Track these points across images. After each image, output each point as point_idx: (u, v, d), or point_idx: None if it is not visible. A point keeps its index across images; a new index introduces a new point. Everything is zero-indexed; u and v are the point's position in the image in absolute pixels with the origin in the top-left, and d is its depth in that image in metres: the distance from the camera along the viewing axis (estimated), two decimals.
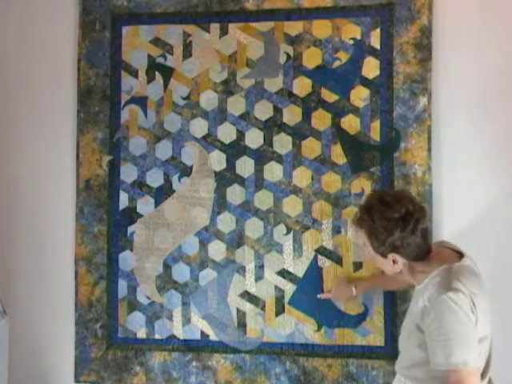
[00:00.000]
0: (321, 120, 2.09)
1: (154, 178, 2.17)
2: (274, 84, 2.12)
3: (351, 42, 2.08)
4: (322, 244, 2.07)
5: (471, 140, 2.04)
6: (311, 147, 2.09)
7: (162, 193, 2.17)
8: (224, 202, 2.13)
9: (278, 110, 2.11)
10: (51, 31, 2.25)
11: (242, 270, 2.12)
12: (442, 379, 1.42)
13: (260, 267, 2.11)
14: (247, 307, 2.11)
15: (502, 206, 2.03)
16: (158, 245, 2.17)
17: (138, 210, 2.18)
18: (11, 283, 2.28)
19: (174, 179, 2.16)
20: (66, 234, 2.23)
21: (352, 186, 2.07)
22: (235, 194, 2.13)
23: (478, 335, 1.40)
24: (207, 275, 2.14)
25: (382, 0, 2.06)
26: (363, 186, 2.06)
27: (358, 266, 2.05)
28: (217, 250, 2.13)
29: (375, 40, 2.07)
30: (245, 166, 2.13)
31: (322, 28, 2.09)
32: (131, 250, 2.18)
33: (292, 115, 2.10)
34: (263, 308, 2.10)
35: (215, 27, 2.16)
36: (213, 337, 2.13)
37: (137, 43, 2.20)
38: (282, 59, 2.12)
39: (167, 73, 2.18)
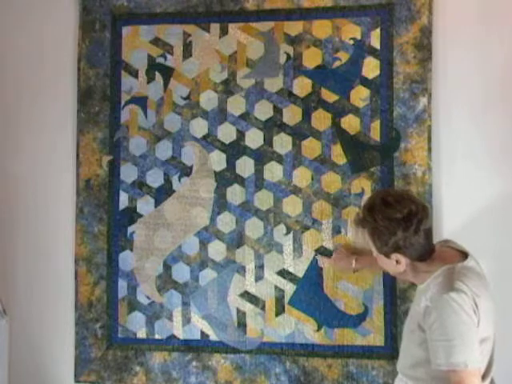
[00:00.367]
0: (321, 120, 2.09)
1: (154, 178, 2.17)
2: (274, 84, 2.12)
3: (351, 42, 2.08)
4: (322, 244, 2.08)
5: (471, 140, 2.04)
6: (311, 147, 2.09)
7: (162, 193, 2.17)
8: (224, 202, 2.13)
9: (277, 110, 2.11)
10: (51, 31, 2.25)
11: (241, 269, 2.12)
12: (443, 379, 1.42)
13: (260, 267, 2.11)
14: (247, 307, 2.11)
15: (502, 205, 2.03)
16: (157, 245, 2.17)
17: (138, 210, 2.18)
18: (11, 283, 2.28)
19: (174, 179, 2.16)
20: (66, 233, 2.22)
21: (352, 186, 2.07)
22: (235, 194, 2.13)
23: (479, 336, 1.40)
24: (207, 275, 2.13)
25: (381, 0, 2.06)
26: (363, 186, 2.06)
27: None
28: (217, 250, 2.13)
29: (375, 40, 2.07)
30: (245, 166, 2.13)
31: (321, 28, 2.09)
32: (131, 249, 2.17)
33: (292, 115, 2.10)
34: (263, 308, 2.10)
35: (215, 27, 2.16)
36: (213, 337, 2.13)
37: (137, 43, 2.20)
38: (282, 59, 2.12)
39: (167, 73, 2.18)
